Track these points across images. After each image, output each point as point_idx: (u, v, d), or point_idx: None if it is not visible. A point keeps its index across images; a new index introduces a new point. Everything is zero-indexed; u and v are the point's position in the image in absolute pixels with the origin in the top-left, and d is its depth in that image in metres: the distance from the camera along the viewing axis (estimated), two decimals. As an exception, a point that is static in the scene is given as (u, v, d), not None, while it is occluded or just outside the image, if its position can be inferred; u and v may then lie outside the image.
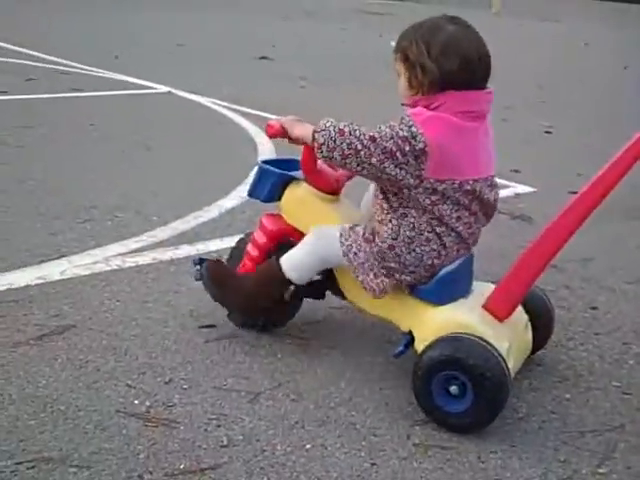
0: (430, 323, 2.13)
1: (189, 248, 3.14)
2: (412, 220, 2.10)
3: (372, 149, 2.00)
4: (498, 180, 2.23)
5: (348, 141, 2.01)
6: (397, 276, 2.14)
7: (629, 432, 2.08)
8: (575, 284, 3.03)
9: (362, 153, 2.01)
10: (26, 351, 2.27)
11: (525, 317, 2.27)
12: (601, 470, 1.91)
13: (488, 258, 2.86)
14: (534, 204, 4.04)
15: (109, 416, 1.99)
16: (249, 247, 2.45)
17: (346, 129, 2.03)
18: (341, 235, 2.20)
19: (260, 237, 2.42)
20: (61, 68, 7.39)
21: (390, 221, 2.13)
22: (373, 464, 1.88)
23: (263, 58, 8.58)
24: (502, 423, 2.07)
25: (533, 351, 2.34)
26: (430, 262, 2.13)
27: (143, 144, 4.74)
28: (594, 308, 2.82)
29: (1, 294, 2.61)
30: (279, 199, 2.39)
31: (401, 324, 2.22)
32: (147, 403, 2.06)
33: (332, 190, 2.34)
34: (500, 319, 2.13)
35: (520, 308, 2.23)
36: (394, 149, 1.99)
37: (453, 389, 2.02)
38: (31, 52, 8.14)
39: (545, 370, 2.37)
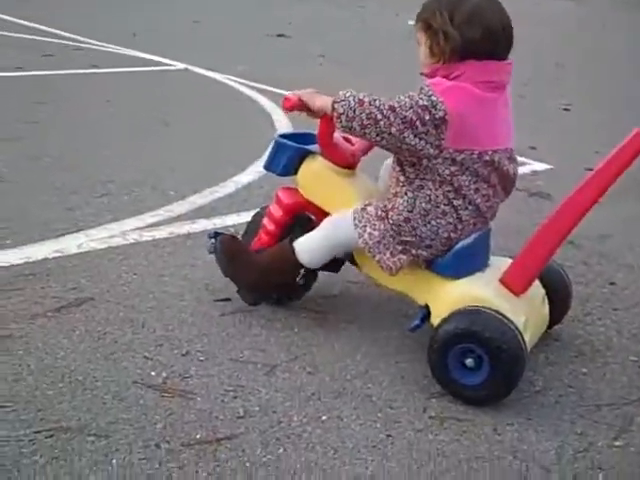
0: (446, 297, 2.12)
1: (206, 222, 3.14)
2: (428, 192, 2.09)
3: (392, 119, 1.99)
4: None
5: (368, 111, 2.00)
6: (413, 251, 2.13)
7: (646, 406, 2.08)
8: (593, 260, 3.01)
9: (381, 123, 2.00)
10: (44, 323, 2.29)
11: (542, 291, 2.26)
12: (617, 443, 1.90)
13: (505, 234, 2.85)
14: (551, 181, 4.01)
15: (126, 387, 2.00)
16: (265, 221, 2.44)
17: (366, 99, 2.02)
18: (354, 218, 2.19)
19: (276, 210, 2.42)
20: (77, 44, 7.39)
21: (406, 193, 2.12)
22: (389, 435, 1.88)
23: (280, 36, 8.55)
24: (519, 396, 2.07)
25: (550, 325, 2.33)
26: (446, 235, 2.12)
27: (161, 120, 4.74)
28: (612, 284, 2.80)
29: (19, 267, 2.63)
30: (295, 173, 2.38)
31: (417, 298, 2.22)
32: (164, 374, 2.07)
33: (348, 164, 2.32)
34: (516, 293, 2.12)
35: (537, 282, 2.22)
36: (414, 118, 1.98)
37: (469, 362, 2.01)
38: (47, 28, 8.14)
39: (562, 345, 2.36)
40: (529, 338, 2.09)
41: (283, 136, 2.45)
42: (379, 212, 2.16)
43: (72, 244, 2.84)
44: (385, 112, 1.99)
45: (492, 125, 2.08)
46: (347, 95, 2.05)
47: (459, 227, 2.12)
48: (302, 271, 2.34)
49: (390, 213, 2.14)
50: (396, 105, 1.99)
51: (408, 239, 2.12)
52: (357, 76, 6.39)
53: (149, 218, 3.14)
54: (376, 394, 2.05)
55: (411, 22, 2.22)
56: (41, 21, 8.49)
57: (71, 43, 7.45)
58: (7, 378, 2.00)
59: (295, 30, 8.97)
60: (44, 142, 4.14)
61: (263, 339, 2.29)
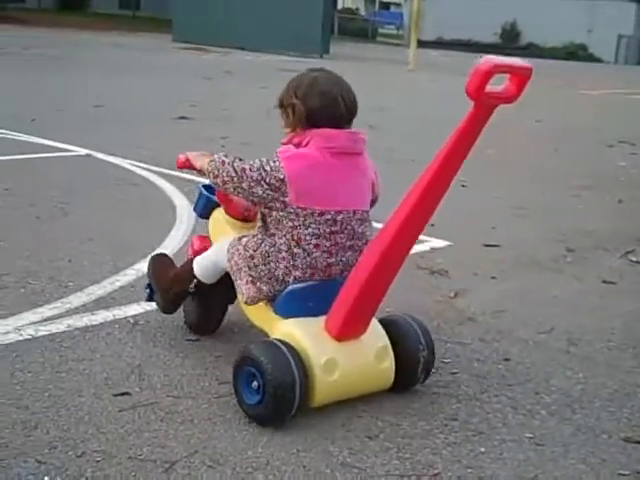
0: (273, 332, 2.45)
1: (106, 314, 3.09)
2: (275, 239, 2.44)
3: (243, 177, 2.41)
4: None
5: (227, 170, 2.44)
6: (258, 284, 2.47)
7: (542, 483, 2.12)
8: (489, 336, 3.08)
9: (235, 179, 2.42)
10: None
11: (380, 345, 2.43)
12: (515, 523, 1.94)
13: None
14: (450, 258, 4.11)
15: (17, 495, 1.93)
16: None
17: (227, 160, 2.46)
18: (230, 244, 2.57)
19: (188, 254, 2.88)
20: (-25, 132, 7.26)
21: (257, 235, 2.52)
22: (290, 529, 1.86)
23: (182, 118, 8.59)
24: (419, 480, 2.08)
25: (403, 384, 2.48)
26: (281, 277, 2.44)
27: (60, 209, 4.68)
28: (507, 360, 2.88)
29: None
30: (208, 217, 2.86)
31: (269, 334, 2.49)
32: (58, 479, 2.00)
33: (242, 217, 2.75)
34: (335, 337, 2.35)
35: (379, 335, 2.43)
36: (259, 177, 2.39)
37: (254, 384, 2.29)
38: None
39: (460, 424, 2.40)
40: (336, 378, 2.33)
41: (208, 186, 2.85)
42: (243, 244, 2.51)
43: (-36, 343, 2.75)
44: (239, 172, 2.42)
45: (334, 188, 2.40)
46: (216, 157, 2.50)
47: (293, 272, 2.43)
48: (194, 281, 2.75)
49: (245, 248, 2.49)
50: (247, 167, 2.42)
51: (253, 273, 2.46)
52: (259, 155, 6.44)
53: (46, 311, 3.08)
54: (277, 486, 2.04)
55: None
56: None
57: (-31, 130, 7.31)
58: None
59: (198, 112, 9.04)
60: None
61: (162, 434, 2.26)
